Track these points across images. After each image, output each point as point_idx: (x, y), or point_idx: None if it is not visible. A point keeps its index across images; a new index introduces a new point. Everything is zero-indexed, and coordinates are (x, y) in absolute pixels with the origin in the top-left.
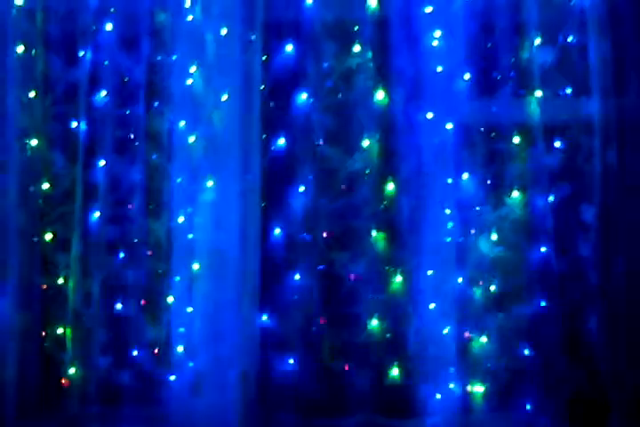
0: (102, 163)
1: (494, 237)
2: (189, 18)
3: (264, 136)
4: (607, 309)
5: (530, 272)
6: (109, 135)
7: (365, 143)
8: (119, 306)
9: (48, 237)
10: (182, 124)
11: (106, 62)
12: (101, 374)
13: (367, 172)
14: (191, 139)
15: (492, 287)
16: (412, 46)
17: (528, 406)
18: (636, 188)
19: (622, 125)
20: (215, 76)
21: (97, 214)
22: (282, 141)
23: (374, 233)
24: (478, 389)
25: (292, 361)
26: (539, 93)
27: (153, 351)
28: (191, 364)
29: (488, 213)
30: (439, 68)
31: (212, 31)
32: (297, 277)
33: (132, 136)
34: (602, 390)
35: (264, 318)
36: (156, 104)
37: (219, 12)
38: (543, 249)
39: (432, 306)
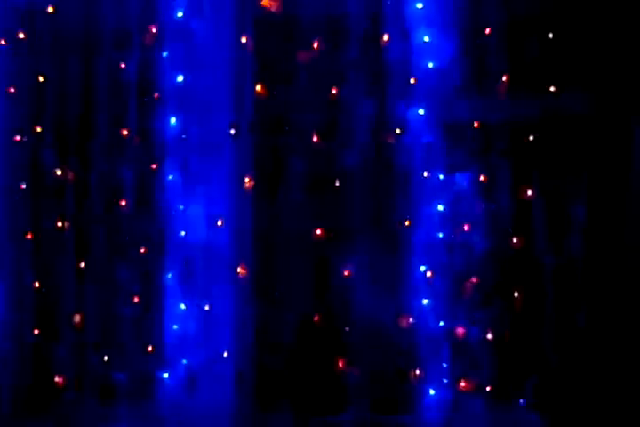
0: (94, 160)
1: (486, 232)
2: (180, 14)
3: (256, 133)
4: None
5: (522, 266)
6: (101, 132)
7: (358, 140)
8: (112, 304)
9: (40, 236)
10: (174, 121)
11: (97, 59)
12: (95, 372)
13: (359, 168)
14: (183, 136)
15: (485, 283)
16: (403, 42)
17: (521, 402)
18: (623, 184)
19: (610, 122)
20: (206, 73)
21: (89, 212)
22: (274, 139)
23: (367, 229)
24: (471, 384)
25: (285, 358)
26: (531, 88)
27: (146, 349)
28: (184, 361)
29: (480, 209)
30: (430, 65)
31: (203, 28)
32: (290, 273)
33: (124, 133)
34: (594, 385)
35: (257, 314)
36: (148, 101)
37: (209, 7)
38: (535, 243)
39: (425, 302)
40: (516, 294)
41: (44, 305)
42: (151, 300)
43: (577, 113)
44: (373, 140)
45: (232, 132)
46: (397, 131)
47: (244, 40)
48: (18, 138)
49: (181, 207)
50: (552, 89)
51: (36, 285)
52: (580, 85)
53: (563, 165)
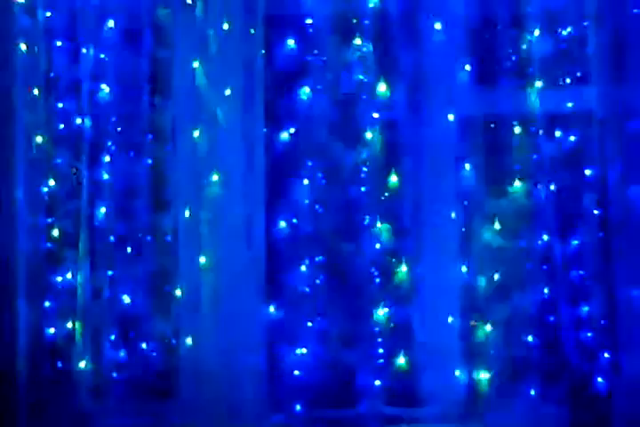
0: (107, 159)
1: (497, 226)
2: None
3: (267, 130)
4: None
5: (532, 261)
6: (113, 131)
7: (368, 135)
8: (127, 300)
9: (55, 232)
10: (185, 119)
11: (108, 58)
12: (111, 367)
13: (370, 164)
14: (195, 133)
15: (496, 276)
16: (412, 38)
17: (532, 393)
18: (636, 175)
19: (622, 114)
20: (218, 71)
21: (103, 210)
22: (285, 135)
23: (378, 224)
24: (483, 376)
25: (298, 352)
26: (539, 83)
27: (162, 345)
28: (199, 356)
29: (491, 203)
30: (440, 60)
31: (214, 25)
32: (302, 268)
33: (136, 132)
34: (603, 377)
35: (271, 309)
36: (160, 99)
37: (220, 5)
38: (545, 238)
39: (436, 295)
40: (527, 286)
41: (60, 301)
42: (166, 296)
43: (585, 104)
44: (384, 136)
45: (243, 128)
46: (408, 125)
47: (254, 36)
48: (32, 138)
49: (195, 204)
50: (561, 82)
51: (52, 281)
52: (586, 76)
53: (573, 157)
